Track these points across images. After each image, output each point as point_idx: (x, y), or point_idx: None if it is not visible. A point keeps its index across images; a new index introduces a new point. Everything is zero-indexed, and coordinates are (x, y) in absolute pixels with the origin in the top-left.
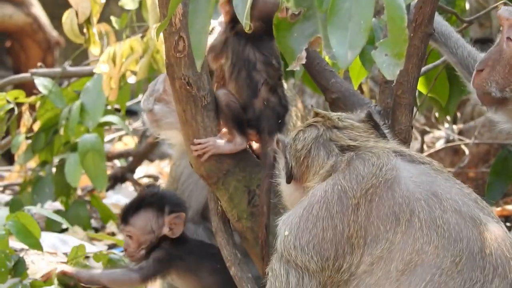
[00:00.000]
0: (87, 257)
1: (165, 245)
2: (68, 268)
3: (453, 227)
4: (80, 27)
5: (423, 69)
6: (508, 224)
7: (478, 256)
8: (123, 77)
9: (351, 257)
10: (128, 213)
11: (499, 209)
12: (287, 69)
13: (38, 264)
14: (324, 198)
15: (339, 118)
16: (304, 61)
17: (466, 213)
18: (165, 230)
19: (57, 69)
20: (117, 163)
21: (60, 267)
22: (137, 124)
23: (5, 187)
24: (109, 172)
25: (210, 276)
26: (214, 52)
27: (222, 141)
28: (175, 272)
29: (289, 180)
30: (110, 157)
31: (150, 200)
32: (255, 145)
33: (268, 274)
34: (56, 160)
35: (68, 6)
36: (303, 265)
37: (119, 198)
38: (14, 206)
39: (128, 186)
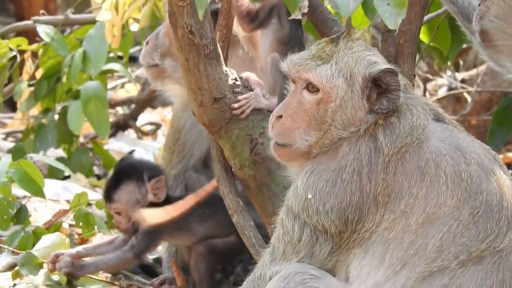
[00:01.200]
0: (89, 204)
1: None
2: (65, 270)
3: (475, 180)
4: None
5: (426, 18)
6: (510, 171)
7: (496, 208)
8: (125, 24)
9: (374, 217)
10: (110, 191)
11: (501, 156)
12: (289, 18)
13: (40, 212)
14: (356, 161)
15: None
16: (306, 10)
17: (488, 166)
18: (150, 197)
19: (60, 17)
20: (120, 110)
21: (59, 268)
22: (139, 71)
23: (8, 135)
24: (111, 119)
25: (200, 225)
26: None
27: (262, 98)
28: (167, 236)
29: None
30: (113, 105)
31: (128, 172)
32: None
33: (276, 227)
34: (58, 107)
35: None
36: (323, 228)
37: (120, 145)
38: (16, 153)
39: (130, 133)
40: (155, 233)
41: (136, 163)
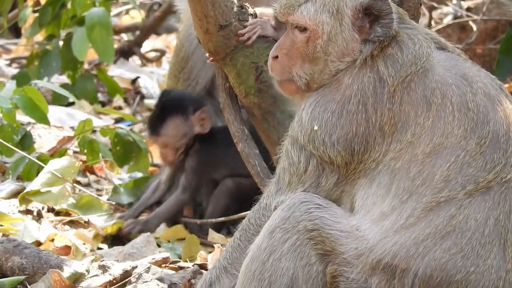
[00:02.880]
0: (94, 131)
1: (192, 151)
2: (136, 229)
3: (482, 110)
4: None
5: None
6: None
7: (503, 139)
8: None
9: (380, 147)
10: (156, 125)
11: (506, 86)
12: None
13: (45, 138)
14: (361, 91)
15: None
16: None
17: (494, 96)
18: (197, 129)
19: None
20: (124, 36)
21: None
22: None
23: (12, 61)
24: (116, 46)
25: (234, 162)
26: None
27: (269, 26)
28: (212, 169)
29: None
30: (117, 31)
31: (172, 106)
32: None
33: (281, 157)
34: (63, 33)
35: None
36: (329, 159)
37: (122, 72)
38: (21, 79)
39: (133, 61)
40: (203, 167)
41: (179, 97)
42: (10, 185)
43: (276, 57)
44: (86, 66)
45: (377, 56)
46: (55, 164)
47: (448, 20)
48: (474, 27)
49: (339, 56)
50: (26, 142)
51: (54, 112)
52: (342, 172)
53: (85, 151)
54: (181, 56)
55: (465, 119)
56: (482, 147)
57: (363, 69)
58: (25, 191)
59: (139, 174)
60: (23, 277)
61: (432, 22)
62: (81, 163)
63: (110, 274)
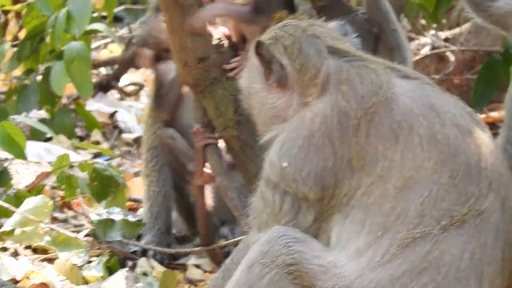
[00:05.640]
0: (71, 167)
1: None
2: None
3: (452, 142)
4: None
5: None
6: (493, 131)
7: (475, 170)
8: None
9: (350, 181)
10: None
11: (483, 116)
12: None
13: (22, 174)
14: (325, 124)
15: (311, 23)
16: None
17: (464, 126)
18: None
19: None
20: (103, 70)
21: None
22: (123, 31)
23: None
24: (94, 80)
25: None
26: None
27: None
28: None
29: (282, 82)
30: (96, 65)
31: None
32: None
33: (255, 199)
34: (41, 68)
35: None
36: (303, 195)
37: (100, 106)
38: None
39: (113, 94)
40: None
41: None
42: None
43: None
44: (64, 100)
45: (337, 89)
46: (28, 204)
47: (425, 50)
48: (452, 58)
49: (301, 91)
50: (3, 178)
51: (32, 148)
52: (318, 208)
53: (63, 186)
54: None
55: (435, 151)
56: (455, 179)
57: (325, 103)
58: (0, 230)
59: (116, 209)
60: None
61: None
62: (58, 199)
63: None
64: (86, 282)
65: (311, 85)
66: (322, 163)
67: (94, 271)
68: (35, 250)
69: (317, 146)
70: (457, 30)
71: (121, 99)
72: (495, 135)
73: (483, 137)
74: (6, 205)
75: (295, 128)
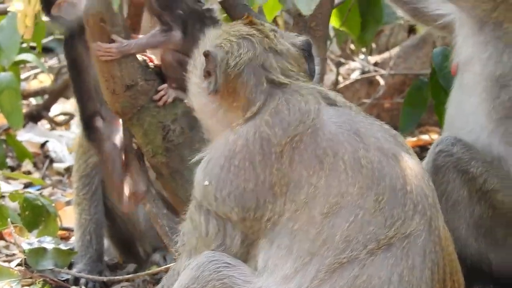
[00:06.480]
0: (2, 197)
1: None
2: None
3: (376, 166)
4: None
5: (336, 1)
6: (423, 154)
7: (400, 193)
8: (38, 14)
9: (273, 206)
10: None
11: (414, 139)
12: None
13: None
14: (246, 147)
15: (277, 37)
16: None
17: (388, 150)
18: None
19: None
20: (33, 101)
21: None
22: (52, 62)
23: None
24: (24, 110)
25: None
26: None
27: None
28: None
29: (214, 91)
30: (26, 95)
31: None
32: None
33: (185, 220)
34: None
35: None
36: (225, 215)
37: (31, 136)
38: None
39: (43, 124)
40: None
41: None
42: None
43: None
44: None
45: (263, 117)
46: None
47: (355, 75)
48: (382, 82)
49: (230, 113)
50: None
51: None
52: (242, 228)
53: None
54: None
55: (360, 176)
56: (381, 203)
57: (249, 127)
58: None
59: (48, 238)
60: None
61: (340, 78)
62: None
63: None
64: None
65: (239, 110)
66: (243, 184)
67: None
68: None
69: (238, 167)
70: (386, 55)
71: (52, 129)
72: (424, 158)
73: (408, 159)
74: None
75: (219, 148)
